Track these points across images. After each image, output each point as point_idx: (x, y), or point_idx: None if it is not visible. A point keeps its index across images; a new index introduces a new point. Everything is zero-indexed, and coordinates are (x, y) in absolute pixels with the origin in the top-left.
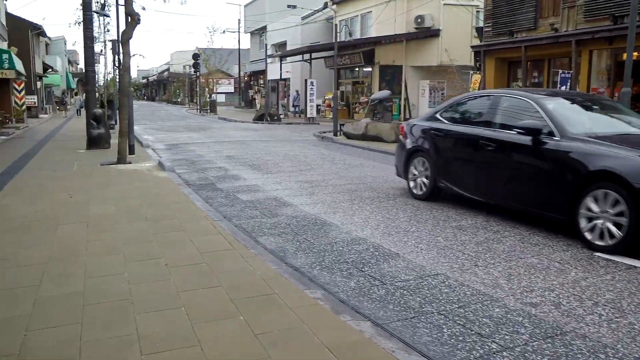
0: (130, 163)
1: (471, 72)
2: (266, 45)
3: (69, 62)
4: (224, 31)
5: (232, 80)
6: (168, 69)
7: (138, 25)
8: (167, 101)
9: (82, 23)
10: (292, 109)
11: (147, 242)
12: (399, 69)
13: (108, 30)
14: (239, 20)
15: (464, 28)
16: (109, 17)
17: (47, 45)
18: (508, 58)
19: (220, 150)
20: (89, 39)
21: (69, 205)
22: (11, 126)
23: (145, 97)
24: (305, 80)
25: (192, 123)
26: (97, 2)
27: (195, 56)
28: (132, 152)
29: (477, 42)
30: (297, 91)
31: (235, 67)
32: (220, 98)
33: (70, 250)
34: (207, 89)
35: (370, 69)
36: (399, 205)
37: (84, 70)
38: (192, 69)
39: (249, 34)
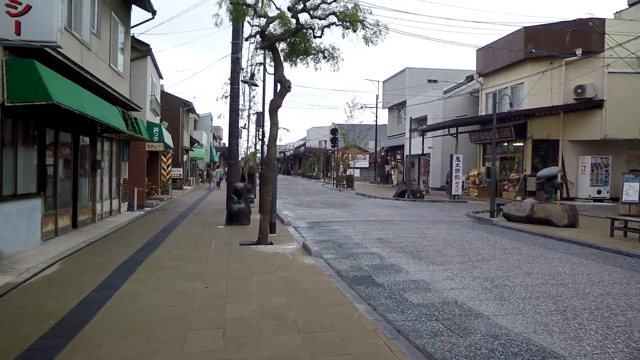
0: (271, 244)
1: None
2: (410, 119)
3: (214, 137)
4: (361, 107)
5: (367, 156)
6: (304, 144)
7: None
8: (302, 175)
9: (228, 97)
10: (443, 185)
11: None
12: (555, 143)
13: (254, 104)
14: (376, 96)
15: (634, 97)
16: (257, 86)
17: (195, 121)
18: None
19: (367, 231)
20: (234, 112)
21: (204, 298)
22: (156, 197)
23: (280, 171)
24: (451, 156)
25: (331, 198)
26: (246, 72)
27: (334, 131)
28: (273, 230)
29: None
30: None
31: (370, 142)
32: (355, 173)
33: None
34: (342, 164)
35: (521, 144)
36: None
37: (227, 144)
38: (330, 144)
39: (386, 110)
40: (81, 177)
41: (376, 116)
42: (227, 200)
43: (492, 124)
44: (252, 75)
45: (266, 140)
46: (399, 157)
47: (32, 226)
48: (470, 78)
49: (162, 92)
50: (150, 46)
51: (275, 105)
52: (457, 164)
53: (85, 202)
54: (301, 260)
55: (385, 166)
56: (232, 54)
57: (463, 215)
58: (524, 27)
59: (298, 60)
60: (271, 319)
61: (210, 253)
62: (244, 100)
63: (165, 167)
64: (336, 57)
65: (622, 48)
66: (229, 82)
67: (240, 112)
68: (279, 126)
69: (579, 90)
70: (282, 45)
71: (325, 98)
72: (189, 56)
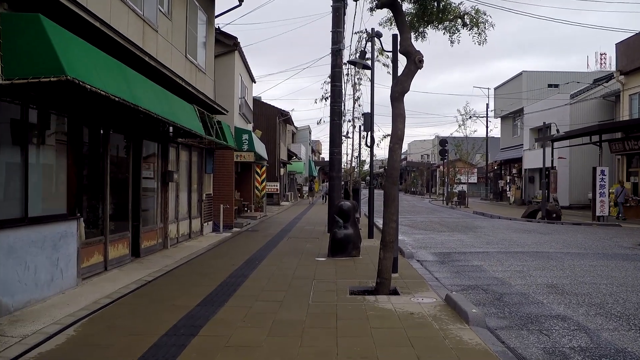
0: (395, 292)
1: None
2: (545, 128)
3: (312, 150)
4: (470, 116)
5: (476, 170)
6: (405, 158)
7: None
8: (404, 191)
9: (329, 98)
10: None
11: None
12: None
13: (359, 105)
14: (486, 105)
15: None
16: (369, 68)
17: (293, 134)
18: None
19: (523, 269)
20: (336, 115)
21: None
22: (248, 215)
23: (378, 186)
24: (593, 169)
25: (448, 218)
26: (355, 49)
27: (443, 142)
28: (394, 268)
29: None
30: (621, 183)
31: (477, 155)
32: (459, 189)
33: None
34: (447, 179)
35: None
36: None
37: (326, 158)
38: (437, 157)
39: (498, 120)
40: (146, 192)
41: (487, 126)
42: (329, 222)
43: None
44: (363, 53)
45: (382, 144)
46: (514, 171)
47: (61, 261)
48: (609, 77)
49: (256, 101)
50: (238, 39)
51: (401, 88)
52: (602, 178)
53: (152, 224)
54: (454, 332)
55: (499, 181)
56: (332, 44)
57: (631, 245)
58: None
59: (429, 27)
60: None
61: (306, 312)
62: (344, 106)
63: (259, 181)
64: (483, 22)
65: None
66: (329, 80)
67: (343, 116)
68: (385, 135)
69: None
70: (405, 5)
71: (427, 108)
72: (284, 60)
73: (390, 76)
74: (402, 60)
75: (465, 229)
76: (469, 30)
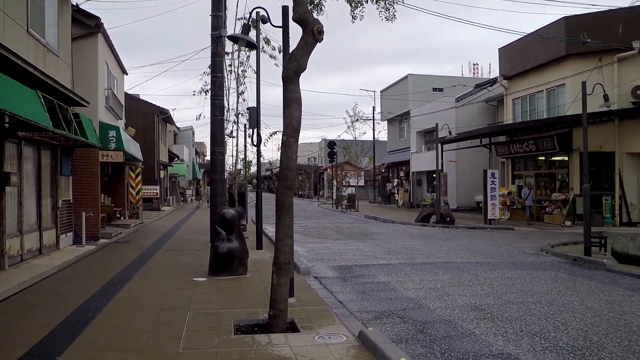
0: (294, 328)
1: None
2: (436, 129)
3: (197, 152)
4: (357, 119)
5: (363, 173)
6: None
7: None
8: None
9: (209, 90)
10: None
11: None
12: (609, 156)
13: (244, 100)
14: (373, 107)
15: None
16: (256, 47)
17: (175, 135)
18: None
19: (437, 286)
20: (217, 109)
21: None
22: (120, 223)
23: (266, 189)
24: (484, 172)
25: (341, 223)
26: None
27: (331, 144)
28: (290, 292)
29: None
30: (527, 185)
31: (365, 158)
32: (349, 191)
33: None
34: (335, 182)
35: (565, 157)
36: None
37: (209, 153)
38: (324, 159)
39: (385, 122)
40: None
41: (373, 129)
42: (211, 232)
43: (525, 134)
44: (247, 27)
45: (270, 144)
46: (402, 174)
47: None
48: (493, 81)
49: (130, 96)
50: (101, 20)
51: (296, 66)
52: (493, 181)
53: None
54: None
55: (387, 184)
56: (212, 30)
57: (534, 250)
58: (564, 17)
59: None
60: None
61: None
62: (228, 98)
63: (133, 185)
64: None
65: None
66: (209, 71)
67: (225, 110)
68: (274, 131)
69: (638, 92)
70: None
71: (314, 110)
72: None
73: (278, 73)
74: (296, 35)
75: (362, 235)
76: (375, 3)
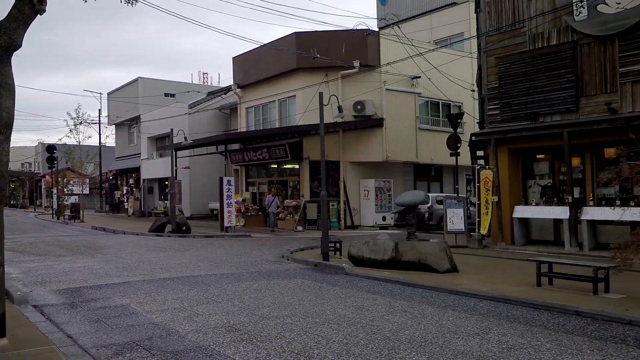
0: None
1: (476, 166)
2: (187, 138)
3: None
4: (81, 122)
5: (87, 180)
6: None
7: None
8: None
9: None
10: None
11: None
12: (335, 165)
13: None
14: (99, 110)
15: (408, 117)
16: None
17: None
18: (525, 148)
19: (183, 305)
20: None
21: None
22: None
23: None
24: (220, 179)
25: (64, 237)
26: None
27: (51, 149)
28: (1, 329)
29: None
30: (271, 192)
31: (89, 165)
32: (72, 200)
33: None
34: (56, 190)
35: (297, 165)
36: None
37: None
38: (43, 165)
39: (113, 127)
40: None
41: (99, 133)
42: None
43: (259, 142)
44: None
45: None
46: (132, 181)
47: None
48: (227, 89)
49: None
50: None
51: (7, 40)
52: (229, 188)
53: None
54: None
55: (116, 192)
56: None
57: (275, 258)
58: (295, 32)
59: None
60: None
61: None
62: None
63: None
64: None
65: (392, 67)
66: None
67: None
68: None
69: (359, 107)
70: None
71: (30, 111)
72: None
73: None
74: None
75: (90, 250)
76: None
